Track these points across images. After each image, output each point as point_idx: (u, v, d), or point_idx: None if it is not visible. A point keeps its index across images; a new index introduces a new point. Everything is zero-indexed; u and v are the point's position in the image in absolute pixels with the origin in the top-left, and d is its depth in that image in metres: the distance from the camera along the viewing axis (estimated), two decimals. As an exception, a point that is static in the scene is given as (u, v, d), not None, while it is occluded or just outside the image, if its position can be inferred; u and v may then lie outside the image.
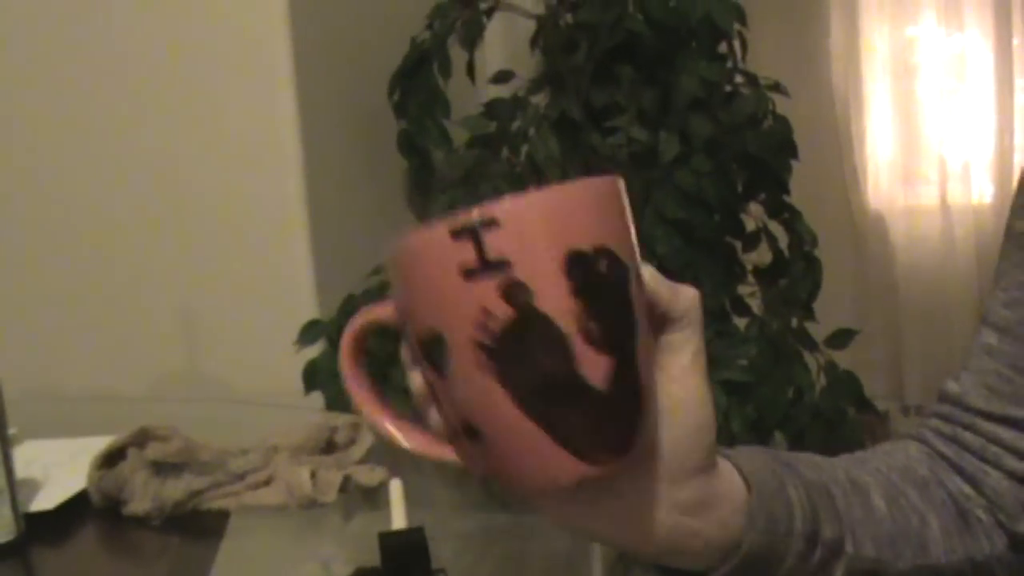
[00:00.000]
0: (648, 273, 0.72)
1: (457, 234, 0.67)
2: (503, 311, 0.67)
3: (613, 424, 0.69)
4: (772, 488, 0.86)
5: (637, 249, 0.71)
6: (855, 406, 2.84)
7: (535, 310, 0.67)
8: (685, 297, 0.74)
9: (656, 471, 0.77)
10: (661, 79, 2.76)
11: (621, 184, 0.71)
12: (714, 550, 0.82)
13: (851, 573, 0.93)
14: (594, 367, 0.68)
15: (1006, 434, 1.03)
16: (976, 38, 5.09)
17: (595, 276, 0.67)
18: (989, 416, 1.03)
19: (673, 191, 2.63)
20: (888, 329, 5.31)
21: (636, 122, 2.69)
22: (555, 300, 0.67)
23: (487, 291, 0.67)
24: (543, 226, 0.67)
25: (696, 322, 0.75)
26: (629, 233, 0.70)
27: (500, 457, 0.72)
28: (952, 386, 1.07)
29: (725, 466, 0.83)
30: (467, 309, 0.68)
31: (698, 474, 0.78)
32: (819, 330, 2.93)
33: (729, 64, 2.88)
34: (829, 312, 3.01)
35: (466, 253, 0.67)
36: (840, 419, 2.77)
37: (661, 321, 0.74)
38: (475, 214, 0.66)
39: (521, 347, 0.68)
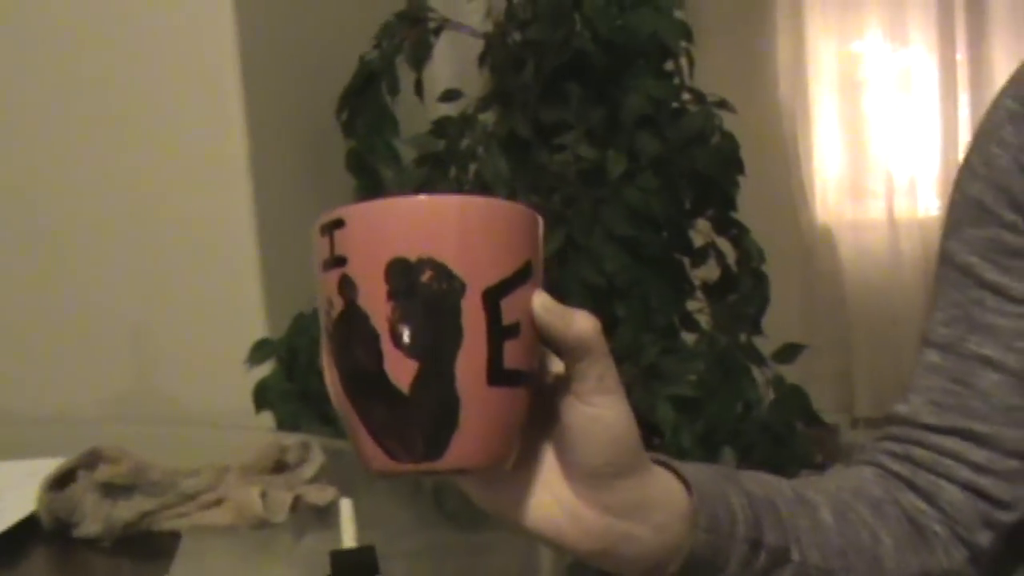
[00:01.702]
0: (539, 303, 0.75)
1: (321, 231, 0.74)
2: (337, 302, 0.73)
3: (415, 428, 0.73)
4: (713, 493, 0.88)
5: (503, 273, 0.73)
6: (804, 420, 2.85)
7: (357, 306, 0.72)
8: (578, 327, 0.76)
9: (572, 474, 0.80)
10: (609, 97, 2.77)
11: (503, 210, 0.75)
12: (651, 555, 0.84)
13: None
14: (400, 369, 0.72)
15: (957, 446, 1.04)
16: (921, 53, 5.14)
17: (414, 285, 0.71)
18: (939, 430, 1.05)
19: (621, 208, 2.64)
20: (837, 342, 5.34)
21: (584, 140, 2.69)
22: (373, 300, 0.72)
23: (331, 282, 0.73)
24: (375, 231, 0.72)
25: (594, 350, 0.77)
26: (484, 254, 0.73)
27: (347, 436, 0.76)
28: (900, 407, 1.09)
29: (664, 475, 0.85)
30: (322, 297, 0.74)
31: (621, 479, 0.80)
32: (768, 345, 2.95)
33: (676, 81, 2.90)
34: (778, 327, 3.02)
35: (324, 248, 0.73)
36: (789, 433, 2.78)
37: (560, 348, 0.77)
38: (332, 214, 0.73)
39: (346, 338, 0.73)
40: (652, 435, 2.59)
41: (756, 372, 2.86)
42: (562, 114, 2.76)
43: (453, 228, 0.72)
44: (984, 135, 1.09)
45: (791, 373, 2.95)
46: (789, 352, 2.94)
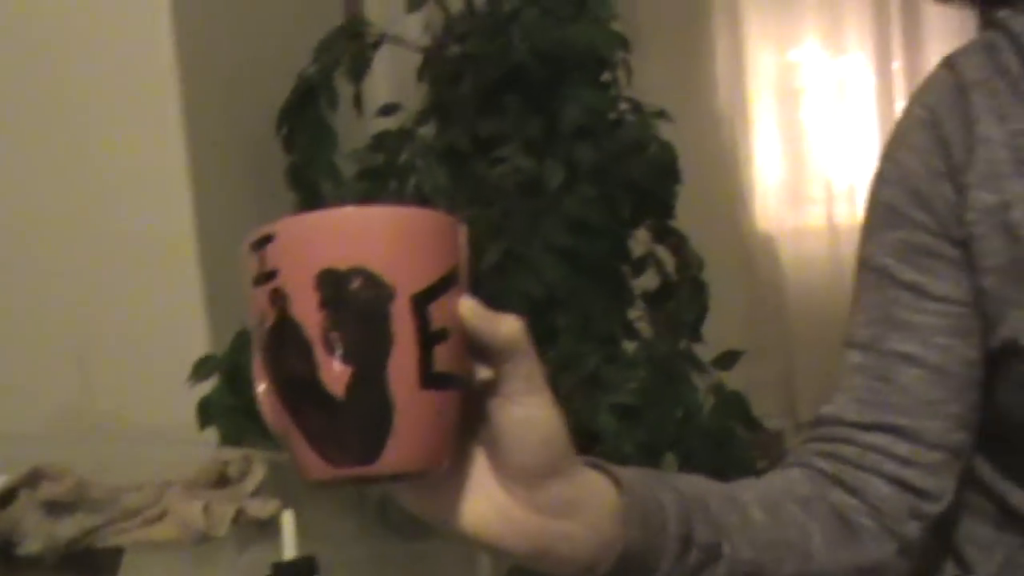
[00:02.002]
0: (466, 307, 0.77)
1: (251, 247, 0.75)
2: (270, 314, 0.74)
3: (352, 433, 0.75)
4: (644, 492, 0.91)
5: (430, 279, 0.75)
6: (744, 425, 2.88)
7: (289, 317, 0.73)
8: (505, 329, 0.78)
9: (505, 476, 0.82)
10: (547, 108, 2.79)
11: (428, 219, 0.77)
12: (586, 553, 0.85)
13: None
14: (334, 376, 0.74)
15: (882, 440, 1.08)
16: (858, 61, 5.18)
17: (344, 293, 0.73)
18: (864, 426, 1.09)
19: (560, 219, 2.66)
20: (780, 348, 5.36)
21: (522, 151, 2.71)
22: (305, 309, 0.73)
23: (263, 296, 0.74)
24: (304, 243, 0.74)
25: (521, 351, 0.79)
26: (411, 262, 0.75)
27: (284, 447, 0.78)
28: (826, 408, 1.13)
29: (595, 475, 0.88)
30: (255, 311, 0.75)
31: (553, 478, 0.82)
32: (710, 352, 2.97)
33: (614, 92, 2.92)
34: (721, 334, 3.05)
35: (254, 263, 0.75)
36: (730, 439, 2.80)
37: (488, 351, 0.78)
38: (262, 230, 0.74)
39: (279, 348, 0.75)
40: (593, 443, 2.60)
41: (698, 379, 2.88)
42: (500, 126, 2.78)
43: (380, 237, 0.74)
44: (895, 142, 1.15)
45: (734, 380, 2.98)
46: (729, 359, 2.96)
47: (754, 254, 5.36)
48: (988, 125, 1.10)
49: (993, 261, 1.09)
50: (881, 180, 1.18)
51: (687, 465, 2.71)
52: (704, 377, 2.93)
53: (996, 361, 1.11)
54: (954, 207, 1.11)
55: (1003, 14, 1.13)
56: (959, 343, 1.11)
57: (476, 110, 2.81)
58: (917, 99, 1.17)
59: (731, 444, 2.80)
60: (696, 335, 2.95)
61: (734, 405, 2.88)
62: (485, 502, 0.82)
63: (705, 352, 2.96)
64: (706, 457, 2.73)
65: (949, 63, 1.17)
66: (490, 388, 0.80)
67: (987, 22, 1.16)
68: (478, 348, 0.78)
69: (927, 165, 1.13)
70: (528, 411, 0.80)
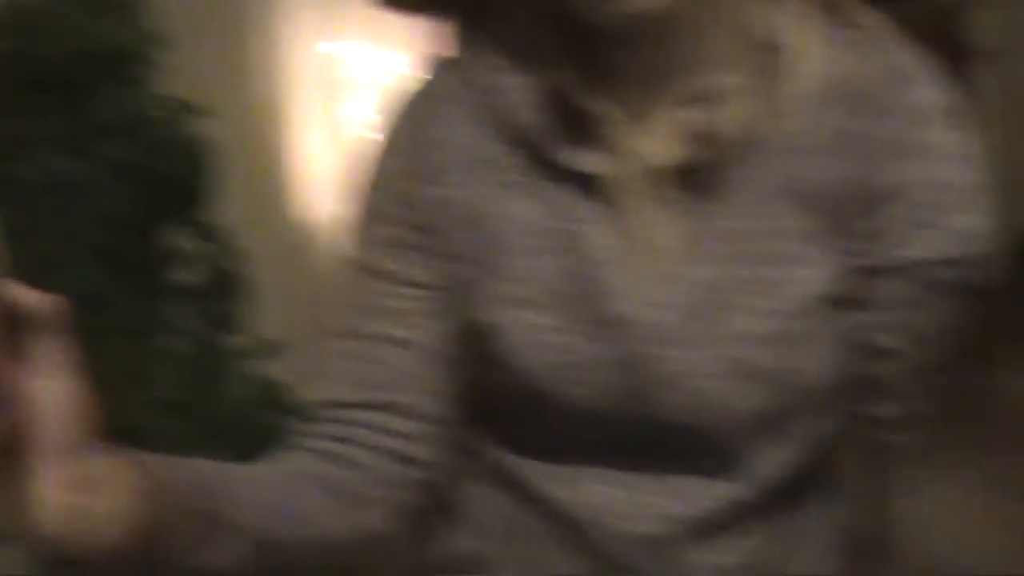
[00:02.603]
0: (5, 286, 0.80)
1: None
2: None
3: None
4: (162, 472, 0.97)
5: None
6: (287, 413, 2.93)
7: None
8: (41, 305, 0.82)
9: (34, 451, 0.84)
10: (79, 106, 2.76)
11: None
12: (108, 530, 0.89)
13: (248, 549, 1.03)
14: None
15: (372, 417, 1.19)
16: (400, 55, 5.28)
17: None
18: (354, 405, 1.19)
19: (93, 216, 2.65)
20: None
21: (54, 150, 2.68)
22: None
23: None
24: None
25: (53, 326, 0.83)
26: None
27: None
28: (320, 394, 1.23)
29: (115, 456, 0.91)
30: None
31: (78, 455, 0.85)
32: (255, 344, 3.01)
33: (149, 89, 2.91)
34: (267, 325, 3.09)
35: None
36: (272, 427, 2.84)
37: (25, 328, 0.82)
38: None
39: None
40: (136, 439, 2.61)
41: (241, 369, 2.92)
42: (33, 126, 2.74)
43: None
44: (380, 146, 1.29)
45: (280, 370, 3.02)
46: (271, 349, 3.01)
47: (301, 246, 5.40)
48: (452, 131, 1.23)
49: (455, 249, 1.21)
50: (368, 182, 1.30)
51: (233, 456, 2.73)
52: (249, 368, 2.96)
53: (470, 339, 1.22)
54: (425, 202, 1.23)
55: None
56: (437, 324, 1.22)
57: (6, 109, 2.76)
58: (400, 106, 1.31)
59: (275, 432, 2.84)
60: (239, 328, 2.98)
61: (273, 394, 2.93)
62: (15, 490, 0.84)
63: (249, 344, 2.99)
64: (251, 448, 2.77)
65: (426, 74, 1.32)
66: (26, 365, 0.83)
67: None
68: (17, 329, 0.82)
69: (403, 166, 1.26)
70: (57, 385, 0.83)
